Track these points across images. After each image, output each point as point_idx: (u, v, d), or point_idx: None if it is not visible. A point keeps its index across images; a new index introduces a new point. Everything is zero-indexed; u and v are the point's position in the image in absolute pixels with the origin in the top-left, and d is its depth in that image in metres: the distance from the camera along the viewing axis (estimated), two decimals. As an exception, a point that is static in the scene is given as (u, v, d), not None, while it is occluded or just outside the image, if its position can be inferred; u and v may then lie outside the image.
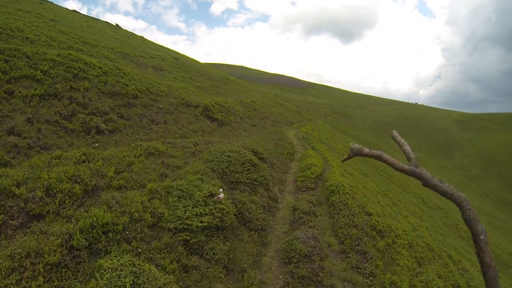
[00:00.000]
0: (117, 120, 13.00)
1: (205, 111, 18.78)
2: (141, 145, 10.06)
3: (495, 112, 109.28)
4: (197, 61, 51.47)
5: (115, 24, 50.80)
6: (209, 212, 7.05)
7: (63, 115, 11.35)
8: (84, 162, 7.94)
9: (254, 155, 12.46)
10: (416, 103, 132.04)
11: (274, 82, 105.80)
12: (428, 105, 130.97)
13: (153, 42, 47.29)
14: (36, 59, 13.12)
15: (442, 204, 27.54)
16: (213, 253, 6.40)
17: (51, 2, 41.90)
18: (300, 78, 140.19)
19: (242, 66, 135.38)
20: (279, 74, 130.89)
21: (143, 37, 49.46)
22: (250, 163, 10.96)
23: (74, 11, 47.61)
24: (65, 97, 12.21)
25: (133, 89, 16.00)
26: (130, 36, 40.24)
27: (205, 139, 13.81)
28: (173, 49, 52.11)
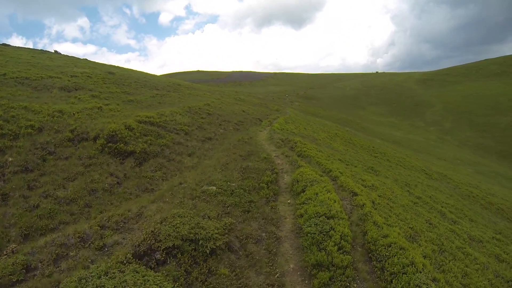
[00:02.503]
0: None
1: (110, 143, 11.79)
2: None
3: (452, 66, 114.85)
4: (147, 73, 45.88)
5: (53, 51, 44.97)
6: None
7: None
8: None
9: (194, 252, 6.21)
10: (377, 72, 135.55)
11: (233, 79, 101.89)
12: (388, 72, 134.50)
13: (90, 61, 40.87)
14: None
15: (444, 171, 26.74)
16: None
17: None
18: (258, 71, 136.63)
19: (198, 71, 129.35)
20: (236, 71, 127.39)
21: (86, 59, 43.52)
22: None
23: (4, 44, 42.05)
24: None
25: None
26: (57, 58, 33.05)
27: (67, 233, 7.10)
28: (118, 65, 46.39)
